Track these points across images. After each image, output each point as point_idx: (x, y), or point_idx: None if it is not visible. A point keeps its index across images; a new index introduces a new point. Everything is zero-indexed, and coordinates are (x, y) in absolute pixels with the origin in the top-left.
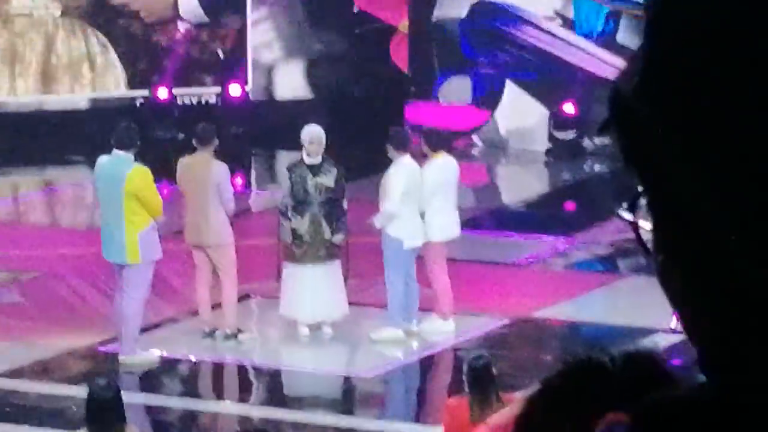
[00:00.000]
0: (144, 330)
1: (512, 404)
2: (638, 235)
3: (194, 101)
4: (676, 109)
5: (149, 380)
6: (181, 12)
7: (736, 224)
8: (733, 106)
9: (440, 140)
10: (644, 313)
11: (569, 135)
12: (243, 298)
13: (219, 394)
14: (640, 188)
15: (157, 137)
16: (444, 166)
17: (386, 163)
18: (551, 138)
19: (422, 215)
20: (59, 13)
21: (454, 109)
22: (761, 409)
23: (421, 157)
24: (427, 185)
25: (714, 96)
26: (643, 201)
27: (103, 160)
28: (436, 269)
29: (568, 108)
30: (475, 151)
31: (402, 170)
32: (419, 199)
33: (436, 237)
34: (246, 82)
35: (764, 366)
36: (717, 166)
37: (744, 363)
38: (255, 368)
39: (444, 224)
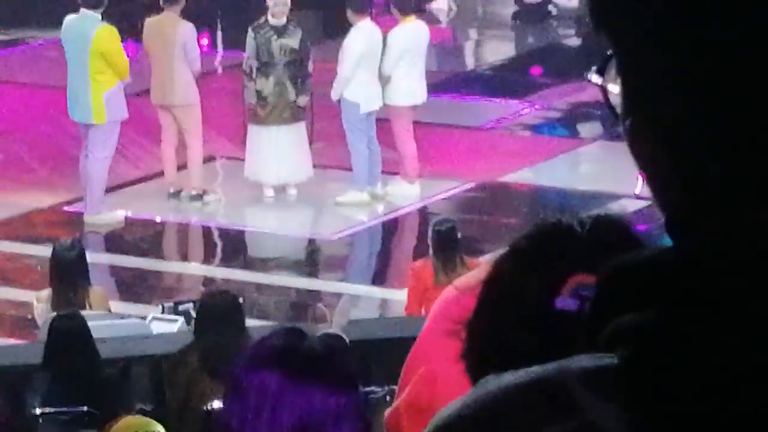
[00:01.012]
0: (109, 190)
1: (480, 267)
2: (607, 99)
3: None
4: None
5: (114, 240)
6: None
7: (697, 89)
8: None
9: (409, 4)
10: (610, 178)
11: None
12: (208, 159)
13: (183, 255)
14: (609, 52)
15: None
16: (413, 30)
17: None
18: (518, 1)
19: (389, 79)
20: None
21: None
22: (725, 273)
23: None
24: (394, 49)
25: None
26: (612, 64)
27: (70, 19)
28: (403, 133)
29: None
30: (440, 15)
31: (359, 35)
32: (384, 62)
33: (402, 101)
34: None
35: (730, 229)
36: (679, 31)
37: (710, 227)
38: (219, 229)
39: (410, 89)
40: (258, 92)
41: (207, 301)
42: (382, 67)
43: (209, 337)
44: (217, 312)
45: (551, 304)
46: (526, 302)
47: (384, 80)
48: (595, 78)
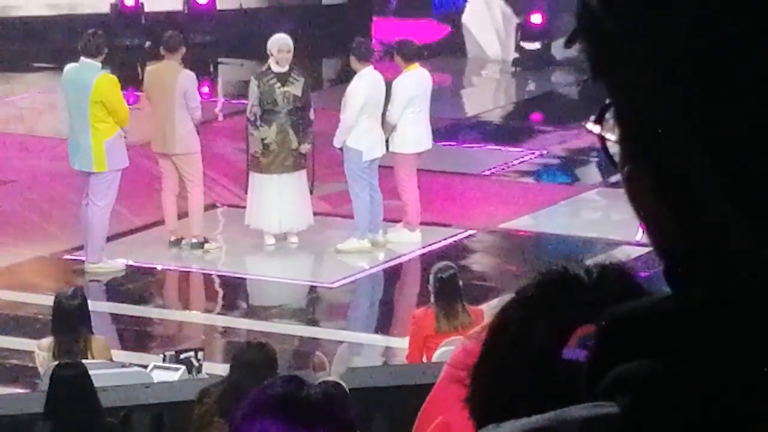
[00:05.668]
0: (110, 238)
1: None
2: (605, 147)
3: (161, 9)
4: (640, 20)
5: (115, 289)
6: None
7: (700, 136)
8: (695, 17)
9: (414, 52)
10: (611, 224)
11: (536, 45)
12: (209, 207)
13: (185, 303)
14: (607, 100)
15: (124, 45)
16: (418, 77)
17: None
18: (518, 48)
19: (395, 127)
20: None
21: (415, 24)
22: (726, 322)
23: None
24: (400, 97)
25: (677, 6)
26: (610, 113)
27: (70, 67)
28: (406, 181)
29: (536, 18)
30: (441, 61)
31: (363, 82)
32: (391, 110)
33: (409, 149)
34: None
35: (731, 278)
36: (680, 79)
37: (711, 275)
38: (220, 277)
39: (417, 136)
40: (261, 140)
41: (242, 352)
42: (388, 115)
43: (233, 381)
44: (250, 364)
45: (557, 353)
46: (531, 350)
47: (390, 128)
48: (592, 126)
